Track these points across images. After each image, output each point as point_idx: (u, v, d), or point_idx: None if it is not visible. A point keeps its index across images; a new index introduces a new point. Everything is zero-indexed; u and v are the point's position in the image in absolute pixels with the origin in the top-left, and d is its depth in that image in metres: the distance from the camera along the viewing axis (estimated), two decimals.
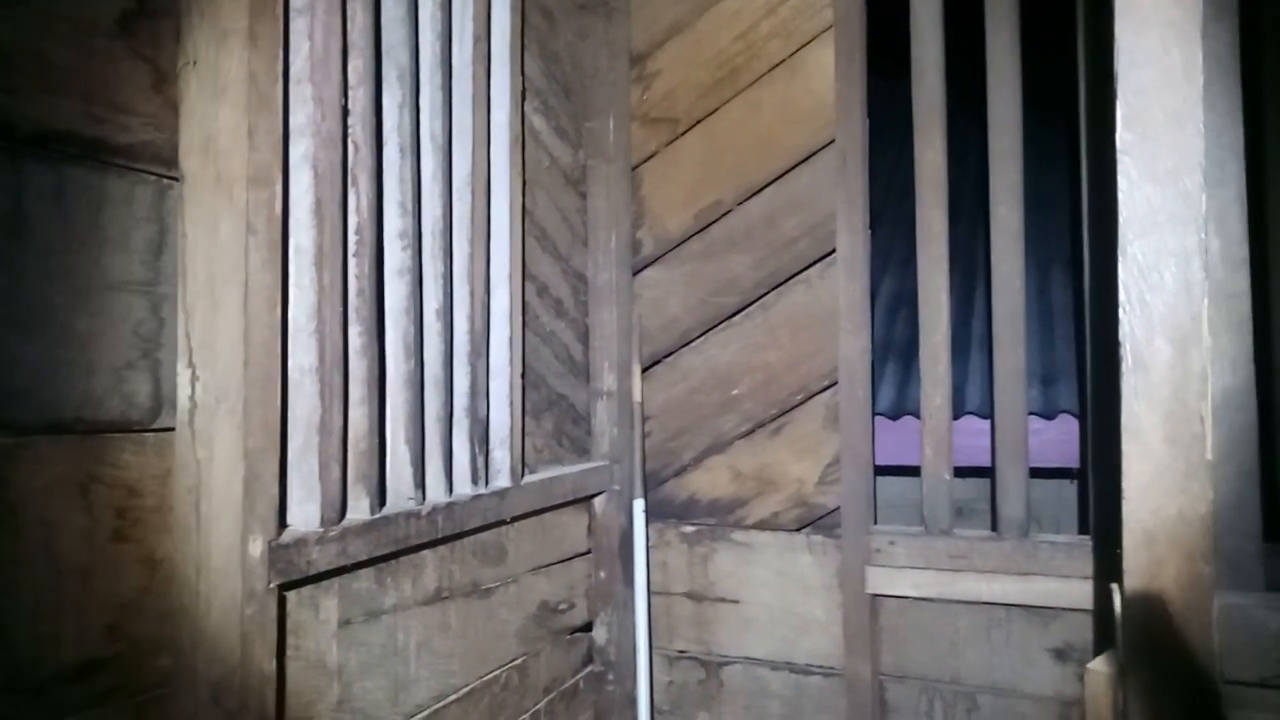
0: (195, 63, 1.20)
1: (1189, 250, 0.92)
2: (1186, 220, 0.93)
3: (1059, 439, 2.48)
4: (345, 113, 1.42)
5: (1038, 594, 1.89)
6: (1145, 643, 0.93)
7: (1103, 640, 1.41)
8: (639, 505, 2.25)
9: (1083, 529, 1.99)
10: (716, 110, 2.27)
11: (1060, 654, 1.89)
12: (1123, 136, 0.95)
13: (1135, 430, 0.94)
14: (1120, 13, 0.94)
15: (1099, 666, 0.99)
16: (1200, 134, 0.92)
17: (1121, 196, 0.95)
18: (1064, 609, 1.87)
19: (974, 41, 2.05)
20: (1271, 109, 1.64)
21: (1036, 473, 2.23)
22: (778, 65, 2.21)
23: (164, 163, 1.17)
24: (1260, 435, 1.60)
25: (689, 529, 2.28)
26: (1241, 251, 1.06)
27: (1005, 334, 1.97)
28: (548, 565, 2.01)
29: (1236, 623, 0.93)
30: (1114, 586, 0.98)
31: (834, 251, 2.12)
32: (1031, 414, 2.35)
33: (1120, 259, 0.95)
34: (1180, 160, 0.92)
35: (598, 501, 2.21)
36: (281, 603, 1.26)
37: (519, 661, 1.87)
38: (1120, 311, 0.94)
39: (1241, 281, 1.05)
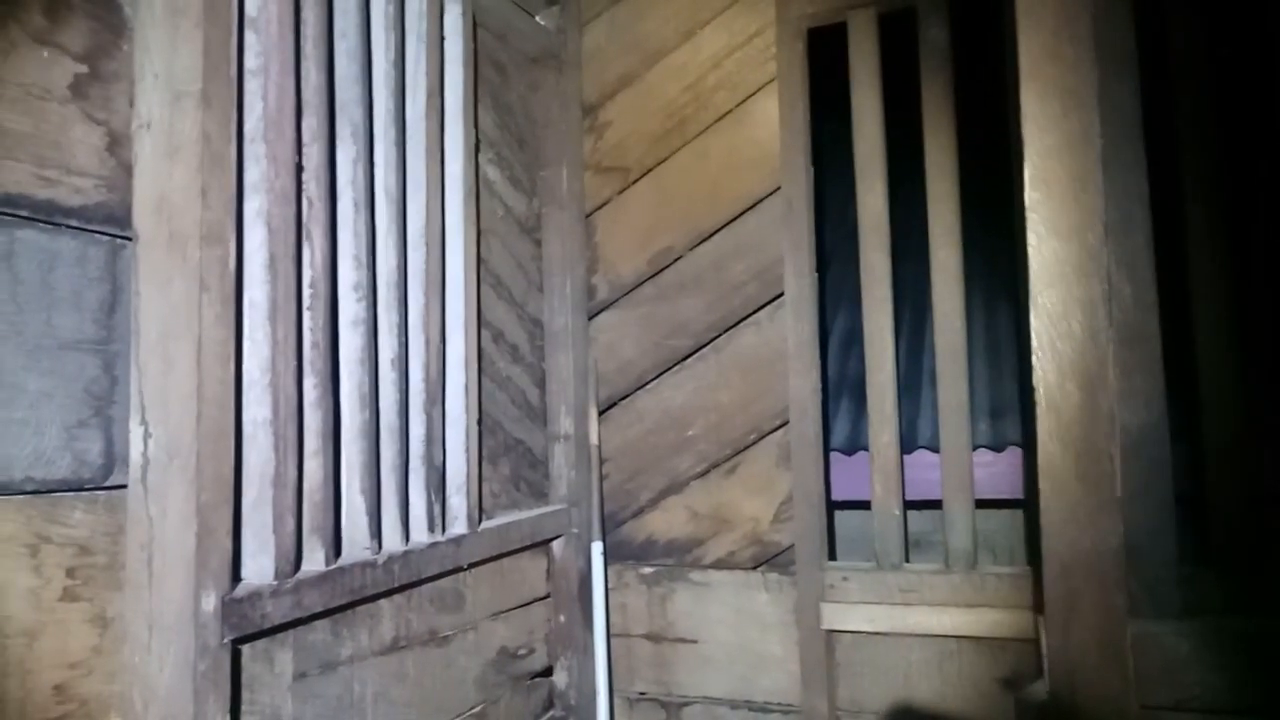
0: (149, 125, 1.23)
1: (1094, 300, 0.99)
2: (1091, 272, 0.99)
3: (1008, 470, 2.54)
4: (299, 169, 1.45)
5: (986, 625, 1.94)
6: (1067, 671, 0.97)
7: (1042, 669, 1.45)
8: (597, 548, 2.26)
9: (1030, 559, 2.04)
10: (666, 159, 2.34)
11: (1010, 684, 1.93)
12: (1030, 195, 1.01)
13: (1050, 469, 1.00)
14: (1024, 80, 1.02)
15: (1028, 695, 1.03)
16: (1101, 192, 0.98)
17: (1031, 250, 1.02)
18: (1012, 639, 1.92)
19: (916, 87, 2.14)
20: (1186, 153, 1.74)
21: (992, 504, 2.29)
22: (724, 116, 2.28)
23: (117, 223, 1.19)
24: (1190, 465, 1.67)
25: (647, 570, 2.30)
26: (1151, 295, 1.12)
27: (948, 371, 2.04)
28: (506, 611, 2.01)
29: (1150, 649, 0.98)
30: (1039, 617, 1.03)
31: (782, 294, 2.19)
32: (982, 446, 2.42)
33: (1032, 308, 1.01)
34: (1083, 217, 0.99)
35: (556, 545, 2.22)
36: (236, 657, 1.26)
37: (478, 709, 1.87)
38: (1033, 357, 1.00)
39: (1153, 324, 1.12)
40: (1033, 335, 1.01)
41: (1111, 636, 0.95)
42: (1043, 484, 1.01)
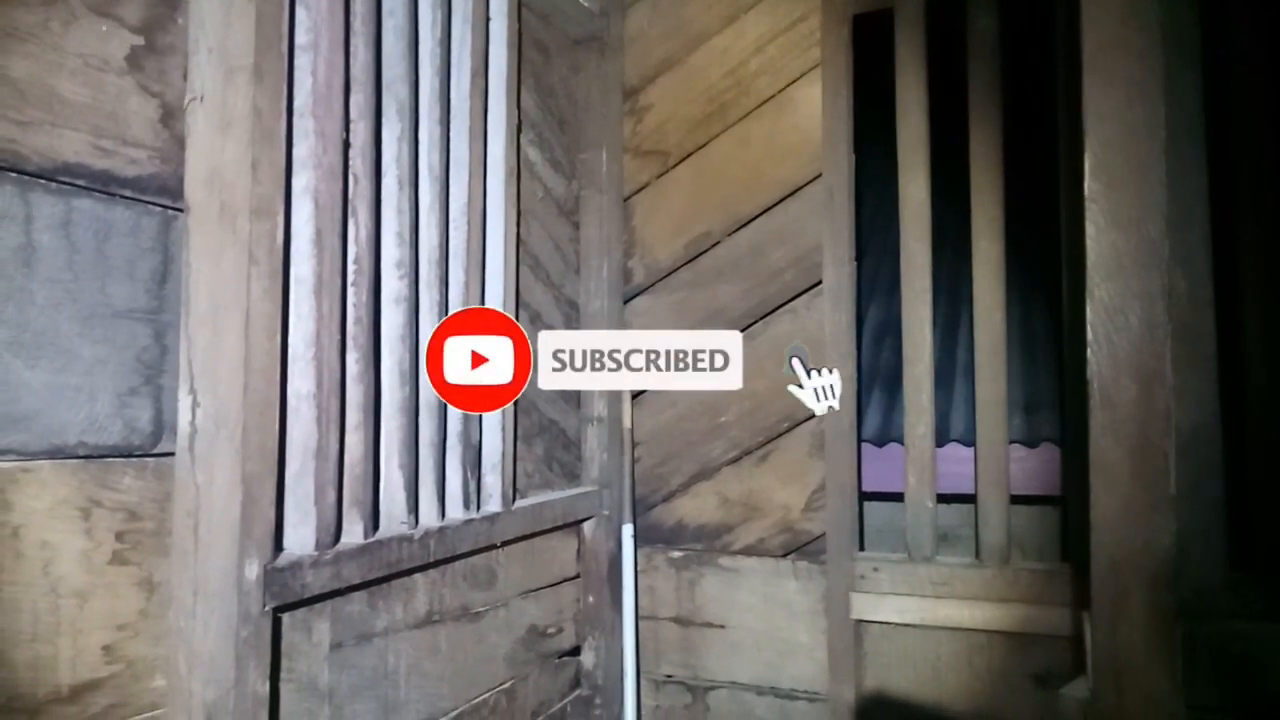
0: (202, 98, 1.24)
1: (1153, 293, 0.97)
2: (1150, 265, 0.97)
3: (1041, 467, 2.51)
4: (346, 146, 1.45)
5: (1019, 620, 1.93)
6: (1113, 669, 0.97)
7: (1080, 666, 1.45)
8: (628, 530, 2.27)
9: (1064, 556, 2.02)
10: (706, 144, 2.33)
11: (1041, 680, 1.92)
12: (1090, 185, 0.99)
13: (1102, 465, 0.98)
14: (1087, 69, 1.00)
15: (1072, 692, 1.02)
16: (1163, 184, 0.97)
17: (1089, 242, 1.00)
18: (1045, 635, 1.90)
19: (960, 77, 2.11)
20: (1241, 150, 1.71)
21: (1021, 500, 2.27)
22: (766, 101, 2.27)
23: (170, 194, 1.21)
24: (1231, 467, 1.64)
25: (677, 554, 2.31)
26: (1207, 291, 1.10)
27: (986, 365, 2.02)
28: (537, 589, 2.03)
29: (1199, 650, 0.97)
30: (1084, 614, 1.02)
31: (820, 283, 2.17)
32: (1014, 442, 2.39)
33: (1088, 300, 1.00)
34: (1144, 208, 0.97)
35: (587, 526, 2.23)
36: (276, 625, 1.28)
37: (507, 685, 1.89)
38: (1088, 350, 0.99)
39: (1208, 320, 1.10)
40: (1088, 328, 1.00)
41: (1160, 636, 0.94)
42: (1094, 479, 0.99)
